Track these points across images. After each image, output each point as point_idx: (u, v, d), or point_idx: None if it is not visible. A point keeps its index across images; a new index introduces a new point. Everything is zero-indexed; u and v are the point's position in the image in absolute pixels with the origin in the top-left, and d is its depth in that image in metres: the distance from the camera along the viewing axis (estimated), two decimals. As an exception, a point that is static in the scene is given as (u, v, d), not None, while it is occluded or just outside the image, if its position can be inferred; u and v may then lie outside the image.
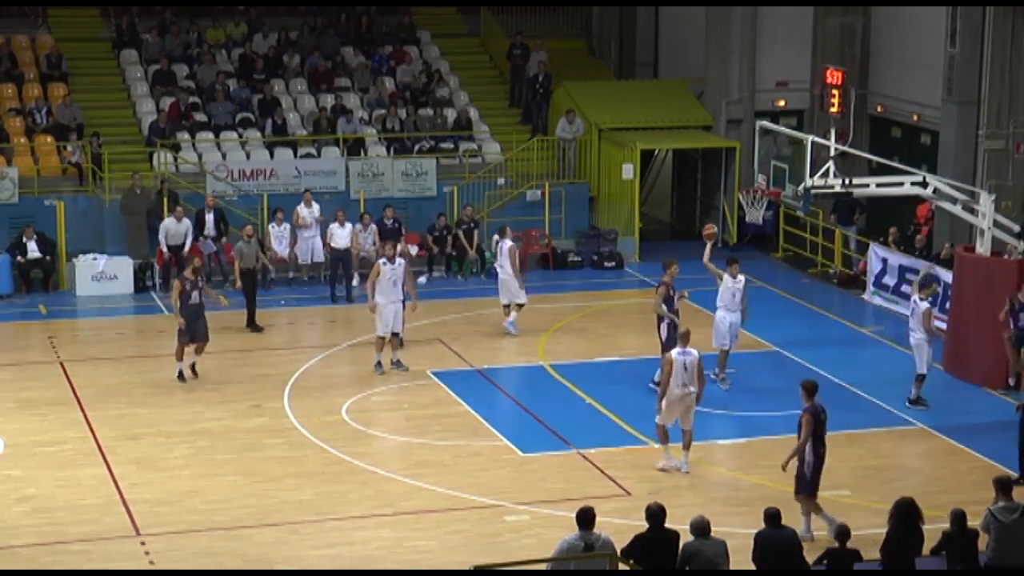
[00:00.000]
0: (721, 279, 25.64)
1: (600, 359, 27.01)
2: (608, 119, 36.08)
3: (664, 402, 21.31)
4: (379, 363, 25.86)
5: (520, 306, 28.18)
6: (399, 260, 25.91)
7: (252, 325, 28.54)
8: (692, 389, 21.24)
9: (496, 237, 29.30)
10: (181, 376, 25.23)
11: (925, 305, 24.09)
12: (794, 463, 19.14)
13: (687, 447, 21.41)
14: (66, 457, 22.01)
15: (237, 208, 33.05)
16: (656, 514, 15.46)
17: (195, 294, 25.25)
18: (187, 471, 21.38)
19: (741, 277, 25.70)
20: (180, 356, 25.29)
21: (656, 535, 15.38)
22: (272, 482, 21.06)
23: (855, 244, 32.93)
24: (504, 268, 28.08)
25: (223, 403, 24.28)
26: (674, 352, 21.34)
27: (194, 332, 25.22)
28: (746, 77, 36.48)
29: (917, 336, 24.18)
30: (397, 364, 26.02)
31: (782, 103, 37.05)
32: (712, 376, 24.77)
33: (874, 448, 22.78)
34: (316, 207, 32.17)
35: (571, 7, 41.95)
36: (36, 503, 20.27)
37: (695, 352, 21.33)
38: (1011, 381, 25.35)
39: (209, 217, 31.99)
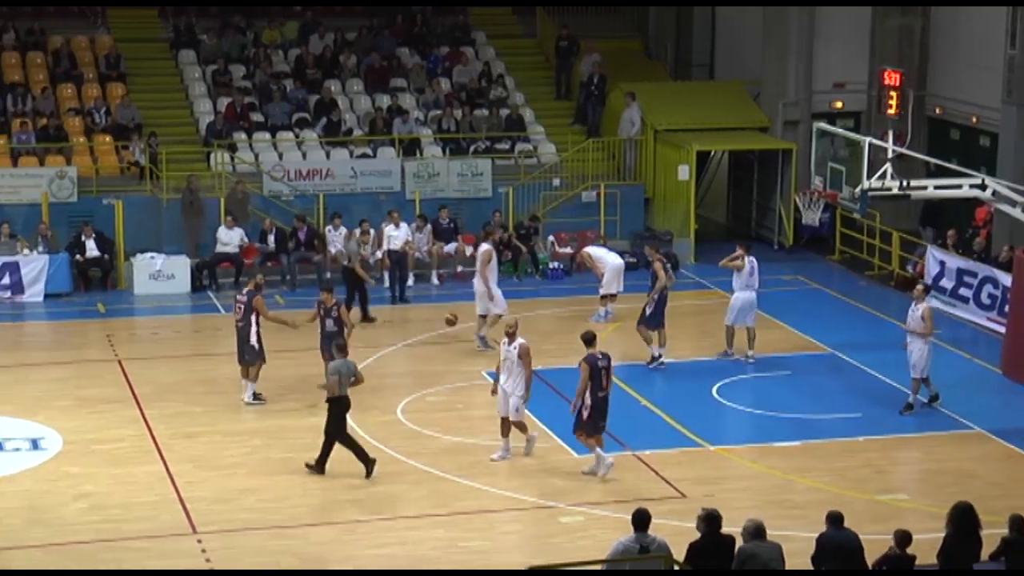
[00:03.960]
0: (740, 268, 26.49)
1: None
2: (664, 120, 35.99)
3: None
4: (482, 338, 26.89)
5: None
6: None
7: (366, 317, 28.89)
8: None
9: (551, 239, 29.34)
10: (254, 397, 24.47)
11: (925, 306, 23.81)
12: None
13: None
14: (123, 455, 22.16)
15: (294, 208, 33.20)
16: (711, 519, 15.33)
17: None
18: (243, 470, 21.48)
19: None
20: (243, 375, 24.58)
21: (711, 541, 15.28)
22: (327, 481, 21.12)
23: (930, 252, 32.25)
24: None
25: (279, 402, 24.37)
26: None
27: (240, 355, 24.33)
28: (803, 78, 36.32)
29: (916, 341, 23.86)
30: (482, 340, 26.74)
31: (839, 105, 36.86)
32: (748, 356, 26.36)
33: (931, 452, 22.64)
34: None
35: (627, 7, 41.87)
36: (94, 500, 20.42)
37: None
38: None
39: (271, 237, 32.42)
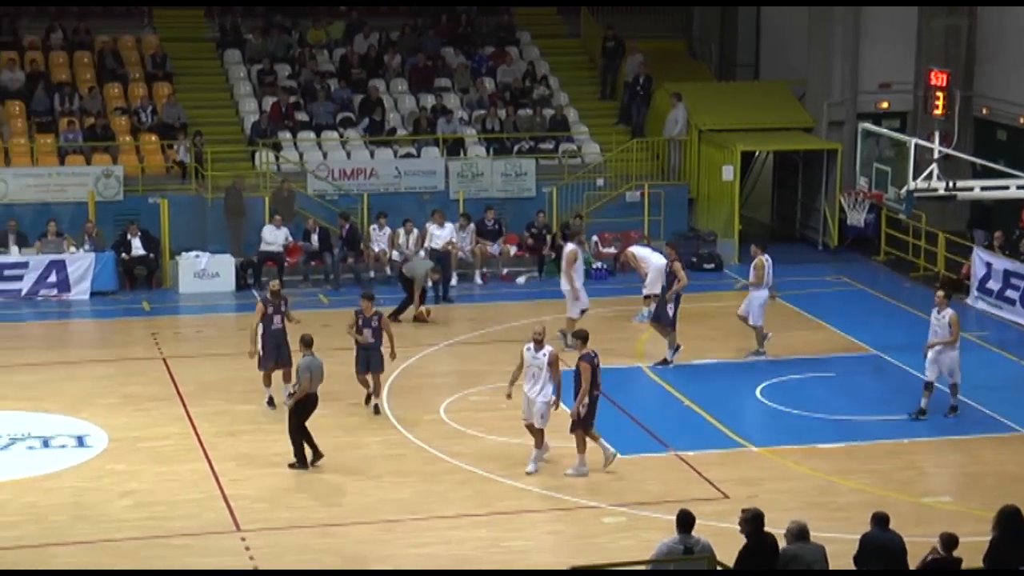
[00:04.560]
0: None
1: (698, 361, 26.88)
2: (708, 120, 35.91)
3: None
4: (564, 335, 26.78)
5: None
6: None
7: (396, 317, 28.65)
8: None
9: (595, 239, 29.28)
10: (270, 402, 24.03)
11: (951, 312, 23.56)
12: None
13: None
14: (168, 452, 22.27)
15: (338, 207, 33.30)
16: (755, 520, 15.26)
17: (277, 318, 23.89)
18: (286, 468, 21.52)
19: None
20: (267, 382, 24.08)
21: (757, 542, 15.20)
22: (370, 480, 21.18)
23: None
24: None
25: (322, 401, 24.27)
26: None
27: (278, 356, 23.89)
28: (848, 78, 36.17)
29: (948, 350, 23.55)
30: (565, 337, 26.69)
31: (885, 105, 36.70)
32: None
33: (976, 454, 22.51)
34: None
35: (672, 7, 41.78)
36: (138, 497, 20.52)
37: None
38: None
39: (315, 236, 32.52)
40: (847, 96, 36.24)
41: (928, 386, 23.62)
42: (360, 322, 23.63)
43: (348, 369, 25.58)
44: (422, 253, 31.62)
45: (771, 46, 40.54)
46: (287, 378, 23.75)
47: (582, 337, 21.48)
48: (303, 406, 21.49)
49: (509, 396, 21.70)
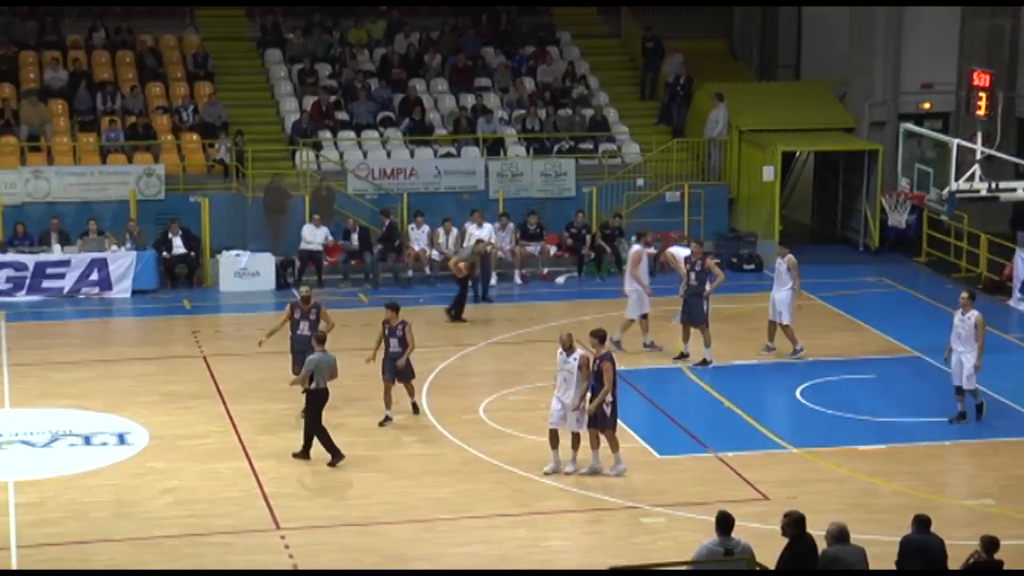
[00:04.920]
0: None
1: (738, 362, 26.83)
2: (749, 121, 35.83)
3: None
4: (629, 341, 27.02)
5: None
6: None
7: (454, 315, 29.16)
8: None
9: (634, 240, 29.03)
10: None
11: (977, 315, 23.27)
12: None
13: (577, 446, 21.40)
14: (208, 450, 22.34)
15: (378, 206, 33.36)
16: (799, 523, 15.15)
17: (303, 324, 23.39)
18: (326, 467, 21.56)
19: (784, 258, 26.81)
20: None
21: (799, 544, 15.12)
22: (410, 479, 21.19)
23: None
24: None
25: (362, 400, 24.45)
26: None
27: (302, 362, 22.57)
28: (890, 79, 36.03)
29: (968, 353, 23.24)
30: (651, 345, 27.07)
31: (927, 105, 36.53)
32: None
33: (1020, 457, 22.36)
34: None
35: (713, 7, 41.70)
36: (179, 495, 20.60)
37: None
38: None
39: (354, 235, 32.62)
40: (889, 96, 36.10)
41: (959, 391, 23.44)
42: (386, 332, 23.31)
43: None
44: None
45: (812, 46, 40.41)
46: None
47: (600, 337, 21.25)
48: (314, 401, 21.57)
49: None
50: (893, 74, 36.01)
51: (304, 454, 21.81)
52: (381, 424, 23.25)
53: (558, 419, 21.15)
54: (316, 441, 21.74)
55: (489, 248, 31.66)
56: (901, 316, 29.83)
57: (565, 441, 21.20)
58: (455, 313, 29.31)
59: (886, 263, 34.24)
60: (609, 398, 20.97)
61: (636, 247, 27.78)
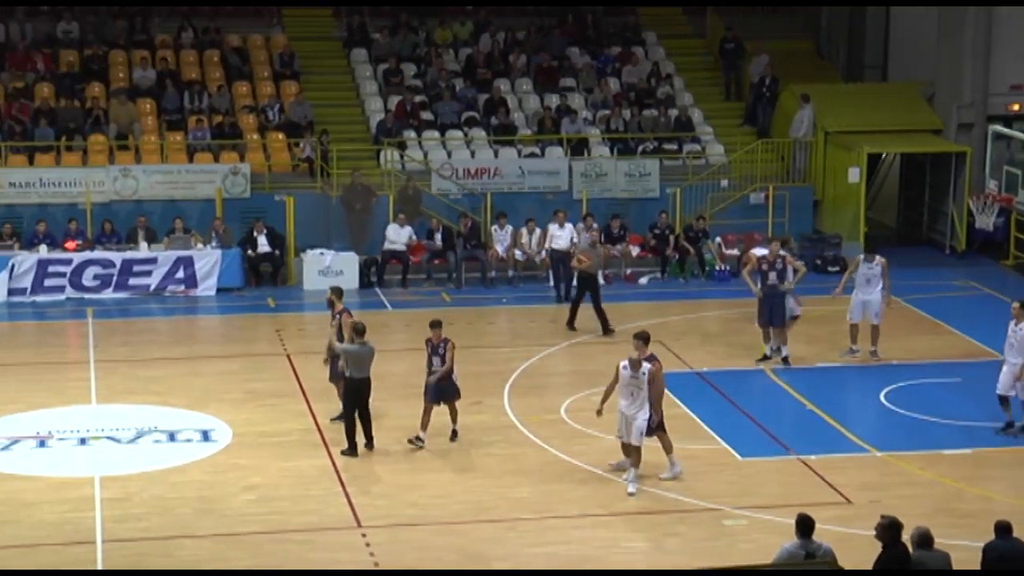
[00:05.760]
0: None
1: (821, 364, 26.66)
2: (835, 122, 35.60)
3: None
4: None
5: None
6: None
7: (606, 331, 28.12)
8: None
9: (718, 240, 28.99)
10: (416, 440, 22.51)
11: None
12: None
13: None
14: (291, 448, 22.46)
15: (460, 206, 33.45)
16: (893, 528, 14.92)
17: (436, 360, 22.33)
18: (407, 465, 21.63)
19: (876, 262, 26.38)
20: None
21: (894, 552, 14.89)
22: (491, 479, 21.22)
23: None
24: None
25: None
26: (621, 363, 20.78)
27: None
28: (979, 80, 35.67)
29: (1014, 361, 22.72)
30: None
31: (1016, 107, 36.13)
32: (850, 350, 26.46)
33: (1107, 464, 22.07)
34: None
35: (799, 8, 41.46)
36: (261, 492, 20.73)
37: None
38: None
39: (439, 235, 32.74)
40: (977, 98, 35.74)
41: (1003, 400, 22.96)
42: (429, 350, 22.41)
43: (468, 367, 25.67)
44: (543, 253, 31.68)
45: (899, 47, 40.08)
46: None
47: (644, 338, 20.95)
48: (351, 392, 21.67)
49: (599, 414, 21.23)
50: (982, 75, 35.65)
51: (368, 444, 21.94)
52: (411, 442, 22.26)
53: (622, 431, 20.76)
54: (373, 431, 21.98)
55: (572, 249, 31.65)
56: (987, 320, 29.43)
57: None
58: (570, 317, 28.55)
59: (973, 266, 33.90)
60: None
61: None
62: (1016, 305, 22.98)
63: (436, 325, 22.42)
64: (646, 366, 20.56)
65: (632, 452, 20.78)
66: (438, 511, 20.09)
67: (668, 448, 21.12)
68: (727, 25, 39.08)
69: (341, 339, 22.52)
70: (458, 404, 22.61)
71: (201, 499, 20.45)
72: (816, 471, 21.50)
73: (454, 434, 22.59)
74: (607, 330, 28.02)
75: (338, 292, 23.82)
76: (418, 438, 22.31)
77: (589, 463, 21.67)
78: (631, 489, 20.59)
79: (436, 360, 22.29)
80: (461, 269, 32.43)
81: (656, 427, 20.88)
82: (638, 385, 20.51)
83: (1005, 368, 22.87)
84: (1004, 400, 22.96)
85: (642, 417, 20.48)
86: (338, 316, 23.11)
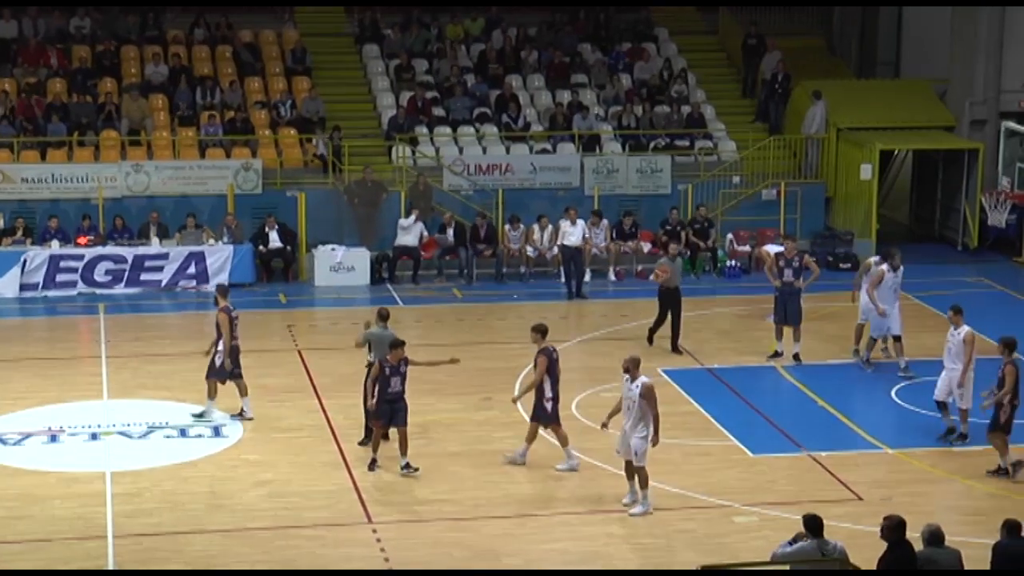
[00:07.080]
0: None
1: (833, 361, 26.63)
2: (847, 119, 35.56)
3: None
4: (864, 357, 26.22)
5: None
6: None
7: (675, 348, 27.05)
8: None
9: (730, 237, 28.80)
10: (372, 466, 21.41)
11: (967, 329, 22.50)
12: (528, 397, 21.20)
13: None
14: (302, 443, 22.50)
15: (472, 202, 33.45)
16: (900, 527, 14.90)
17: (395, 380, 21.10)
18: (418, 461, 21.59)
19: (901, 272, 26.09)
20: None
21: (899, 550, 14.86)
22: (502, 475, 21.22)
23: None
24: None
25: (454, 395, 24.54)
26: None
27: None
28: (992, 77, 35.60)
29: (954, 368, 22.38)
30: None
31: (1029, 104, 36.10)
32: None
33: (1119, 461, 21.98)
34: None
35: (812, 5, 41.38)
36: (273, 487, 20.75)
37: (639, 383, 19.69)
38: None
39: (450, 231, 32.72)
40: (990, 95, 35.66)
41: (941, 405, 22.71)
42: (387, 371, 21.01)
43: (479, 363, 25.73)
44: (555, 249, 31.65)
45: (912, 44, 40.02)
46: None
47: (542, 331, 21.51)
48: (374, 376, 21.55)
49: (604, 426, 20.34)
50: (994, 72, 35.58)
51: (369, 437, 22.00)
52: (370, 469, 21.23)
53: (623, 449, 19.99)
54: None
55: (584, 245, 31.66)
56: (999, 317, 29.40)
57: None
58: (649, 335, 27.51)
59: (985, 263, 33.84)
60: (549, 393, 21.09)
61: (880, 267, 26.11)
62: (951, 311, 22.76)
63: (397, 345, 21.14)
64: (641, 379, 19.59)
65: (636, 472, 19.77)
66: (448, 507, 20.11)
67: (564, 441, 21.29)
68: (751, 21, 38.99)
69: (219, 336, 23.15)
70: (407, 431, 21.28)
71: (212, 495, 20.48)
72: (827, 468, 21.48)
73: (406, 467, 21.17)
74: (676, 348, 27.06)
75: (223, 291, 24.20)
76: (374, 461, 21.34)
77: (600, 459, 21.66)
78: (637, 510, 19.75)
79: (395, 380, 21.01)
80: (473, 265, 32.43)
81: (539, 416, 21.23)
82: (632, 399, 19.58)
83: (943, 374, 22.59)
84: (942, 405, 22.72)
85: (637, 435, 19.56)
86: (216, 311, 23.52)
